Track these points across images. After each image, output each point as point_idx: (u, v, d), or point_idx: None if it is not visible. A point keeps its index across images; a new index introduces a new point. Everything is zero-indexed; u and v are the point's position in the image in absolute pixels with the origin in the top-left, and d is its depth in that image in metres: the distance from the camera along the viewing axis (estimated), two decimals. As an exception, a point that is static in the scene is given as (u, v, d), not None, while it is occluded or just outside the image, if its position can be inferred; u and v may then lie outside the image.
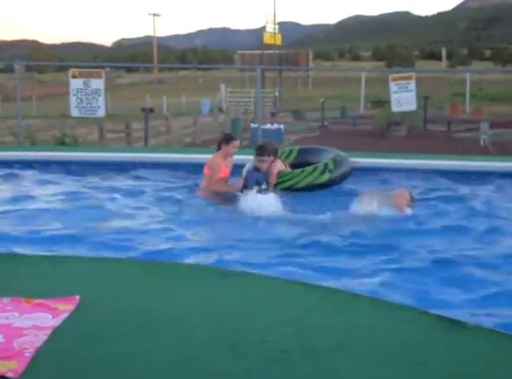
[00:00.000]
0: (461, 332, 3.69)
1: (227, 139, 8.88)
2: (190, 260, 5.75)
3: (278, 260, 5.90)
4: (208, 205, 8.36)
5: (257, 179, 8.62)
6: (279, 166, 8.95)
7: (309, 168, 9.01)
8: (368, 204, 7.45)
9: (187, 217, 7.77)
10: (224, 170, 8.83)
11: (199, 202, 8.54)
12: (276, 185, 8.77)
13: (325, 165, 8.98)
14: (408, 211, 7.56)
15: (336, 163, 9.11)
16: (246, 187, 8.48)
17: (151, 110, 22.46)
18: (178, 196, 8.83)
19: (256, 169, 8.70)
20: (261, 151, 8.72)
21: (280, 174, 8.85)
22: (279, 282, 4.69)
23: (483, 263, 5.85)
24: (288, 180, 8.85)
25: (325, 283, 4.78)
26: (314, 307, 4.14)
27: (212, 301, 4.22)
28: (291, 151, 9.92)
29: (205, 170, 8.82)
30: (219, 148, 8.89)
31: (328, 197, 8.75)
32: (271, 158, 8.74)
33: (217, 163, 8.78)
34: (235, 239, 6.68)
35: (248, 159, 9.16)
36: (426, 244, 6.48)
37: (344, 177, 9.19)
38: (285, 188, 8.79)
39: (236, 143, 8.88)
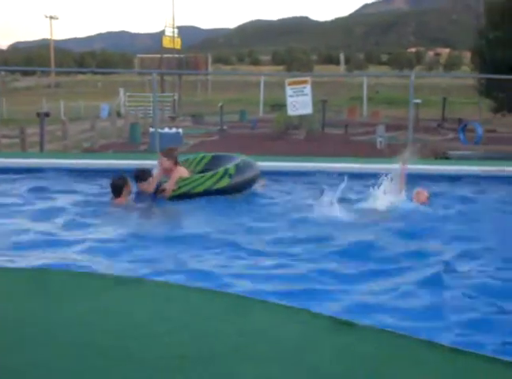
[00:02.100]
0: (352, 332, 3.73)
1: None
2: (86, 267, 5.64)
3: (177, 266, 5.86)
4: (110, 210, 8.25)
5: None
6: (181, 172, 8.82)
7: (208, 173, 8.80)
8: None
9: (81, 223, 7.61)
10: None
11: (99, 207, 8.37)
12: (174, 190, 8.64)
13: (226, 170, 8.75)
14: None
15: (239, 168, 8.86)
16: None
17: (46, 115, 22.05)
18: (75, 202, 8.66)
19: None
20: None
21: (179, 180, 8.67)
22: (176, 288, 4.64)
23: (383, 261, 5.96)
24: (185, 185, 8.62)
25: (221, 288, 4.81)
26: (209, 312, 4.12)
27: (108, 308, 4.13)
28: (202, 158, 9.65)
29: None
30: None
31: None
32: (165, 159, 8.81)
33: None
34: (131, 245, 6.58)
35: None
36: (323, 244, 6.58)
37: (246, 183, 9.03)
38: (182, 193, 8.60)
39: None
